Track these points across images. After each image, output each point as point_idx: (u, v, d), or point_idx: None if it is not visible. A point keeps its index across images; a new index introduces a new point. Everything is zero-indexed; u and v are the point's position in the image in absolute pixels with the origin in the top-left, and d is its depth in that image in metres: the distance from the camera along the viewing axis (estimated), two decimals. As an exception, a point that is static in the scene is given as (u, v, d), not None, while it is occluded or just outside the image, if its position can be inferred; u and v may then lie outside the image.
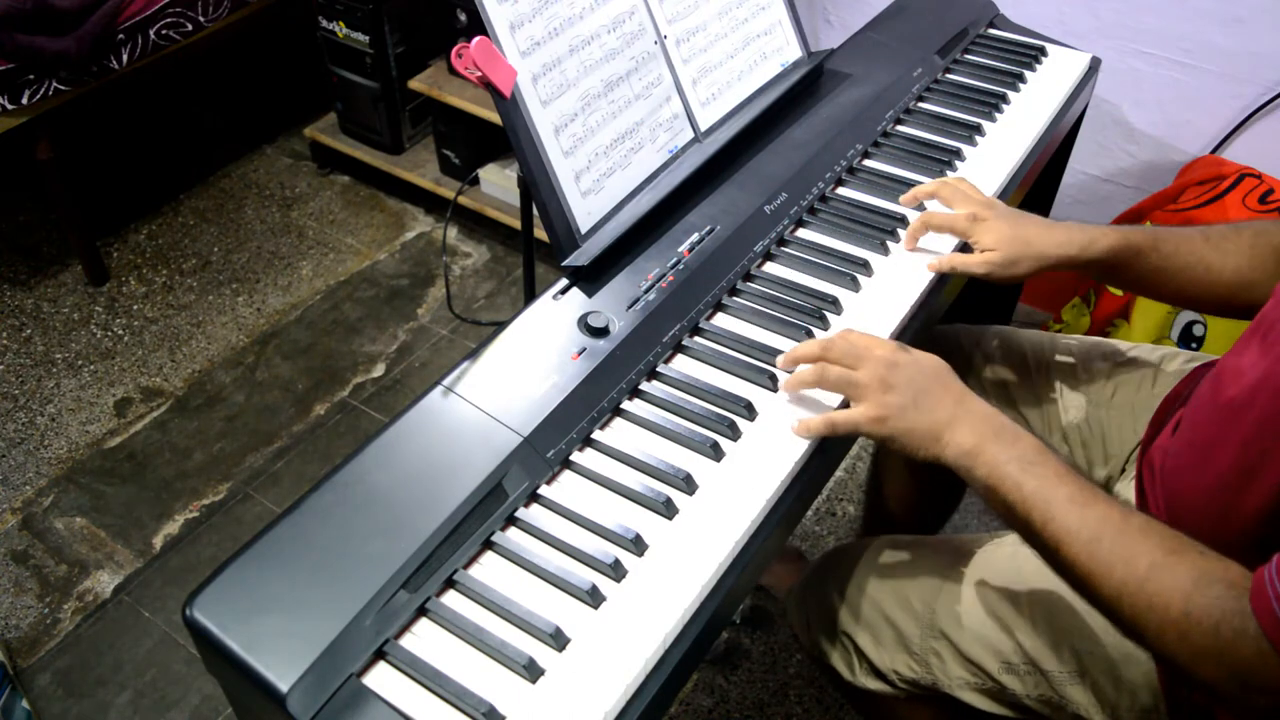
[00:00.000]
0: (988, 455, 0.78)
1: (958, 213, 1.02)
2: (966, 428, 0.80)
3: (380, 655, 0.72)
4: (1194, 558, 0.68)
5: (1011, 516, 0.77)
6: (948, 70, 1.40)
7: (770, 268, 1.07)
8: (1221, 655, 0.65)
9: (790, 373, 0.90)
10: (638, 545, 0.79)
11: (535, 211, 1.04)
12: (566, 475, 0.85)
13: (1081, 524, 0.72)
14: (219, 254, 2.29)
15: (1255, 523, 0.77)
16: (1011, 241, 0.98)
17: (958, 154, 1.23)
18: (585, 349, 0.92)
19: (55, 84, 1.91)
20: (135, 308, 2.15)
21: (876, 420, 0.82)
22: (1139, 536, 0.70)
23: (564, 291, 0.98)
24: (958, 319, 1.26)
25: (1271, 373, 0.77)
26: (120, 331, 2.10)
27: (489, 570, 0.78)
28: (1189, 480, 0.87)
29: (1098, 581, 0.71)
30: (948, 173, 1.20)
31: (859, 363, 0.85)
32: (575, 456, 0.86)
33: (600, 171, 1.04)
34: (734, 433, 0.88)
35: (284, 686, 0.68)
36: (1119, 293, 1.76)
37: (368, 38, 2.19)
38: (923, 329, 1.06)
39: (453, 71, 2.13)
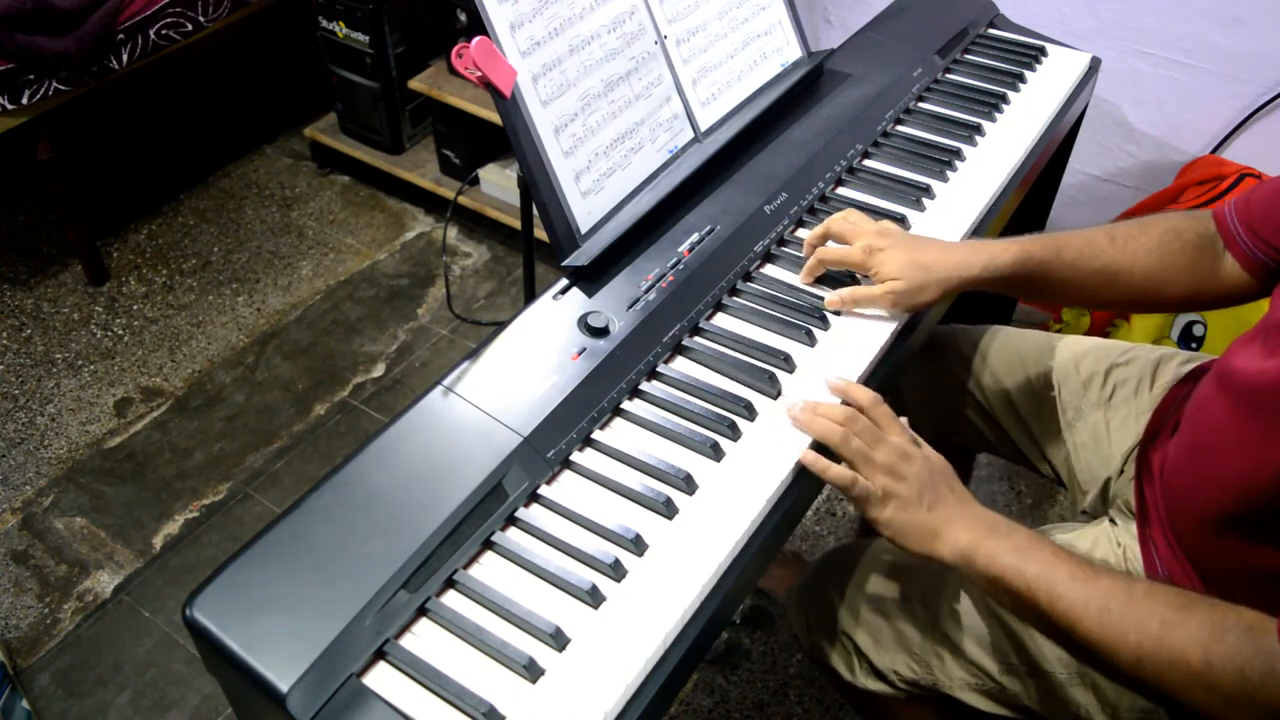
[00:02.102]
0: (985, 550, 0.79)
1: (853, 246, 1.00)
2: (962, 526, 0.81)
3: (380, 655, 0.72)
4: (1205, 610, 0.69)
5: (1019, 605, 0.78)
6: (948, 70, 1.40)
7: (770, 268, 1.07)
8: (1253, 699, 0.66)
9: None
10: (638, 545, 0.79)
11: (535, 211, 1.04)
12: (566, 475, 0.85)
13: (1089, 598, 0.73)
14: (219, 254, 2.29)
15: (1241, 515, 0.77)
16: (911, 268, 0.96)
17: (958, 154, 1.23)
18: (585, 349, 0.92)
19: (55, 84, 1.91)
20: (135, 308, 2.15)
21: (877, 504, 0.82)
22: (1145, 600, 0.71)
23: (564, 291, 0.98)
24: (957, 319, 1.26)
25: (1269, 367, 0.77)
26: (120, 331, 2.10)
27: (489, 570, 0.78)
28: (1188, 480, 0.87)
29: (1116, 650, 0.71)
30: (948, 173, 1.20)
31: (876, 445, 0.84)
32: (575, 456, 0.86)
33: (600, 171, 1.04)
34: (734, 433, 0.88)
35: (284, 686, 0.68)
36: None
37: (368, 38, 2.19)
38: (922, 331, 1.06)
39: (453, 71, 2.13)
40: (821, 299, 1.01)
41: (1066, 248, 0.96)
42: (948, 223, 1.14)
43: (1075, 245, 0.97)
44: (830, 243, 1.03)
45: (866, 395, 0.88)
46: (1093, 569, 0.75)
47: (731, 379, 0.94)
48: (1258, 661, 0.65)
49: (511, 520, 0.81)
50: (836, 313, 1.01)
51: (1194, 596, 0.71)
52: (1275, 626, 0.66)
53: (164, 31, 2.06)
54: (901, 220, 1.12)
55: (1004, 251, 0.96)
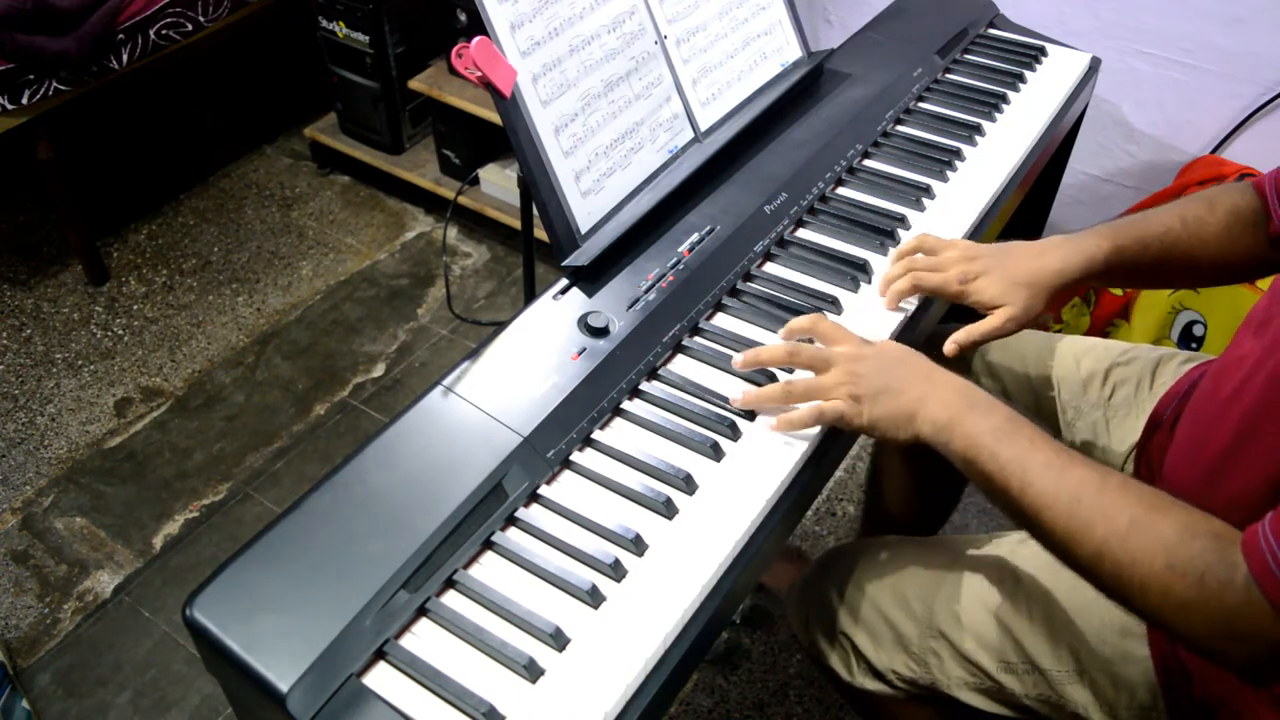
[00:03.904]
0: (963, 428, 0.79)
1: (946, 275, 0.98)
2: (938, 403, 0.81)
3: (380, 655, 0.72)
4: (1176, 512, 0.69)
5: (990, 486, 0.78)
6: (948, 70, 1.40)
7: (770, 268, 1.07)
8: (1206, 606, 0.65)
9: (753, 382, 0.91)
10: (638, 545, 0.79)
11: (535, 211, 1.04)
12: (566, 475, 0.85)
13: (1060, 487, 0.72)
14: (219, 254, 2.29)
15: (1239, 504, 0.78)
16: (1014, 289, 0.96)
17: (958, 154, 1.23)
18: (585, 349, 0.92)
19: (55, 84, 1.91)
20: (135, 308, 2.15)
21: (853, 413, 0.83)
22: (1118, 494, 0.71)
23: (564, 291, 0.98)
24: (957, 319, 1.26)
25: (1264, 359, 0.77)
26: (120, 331, 2.10)
27: (489, 570, 0.78)
28: (1187, 475, 0.87)
29: (1079, 542, 0.71)
30: (948, 173, 1.20)
31: (825, 365, 0.86)
32: (575, 456, 0.86)
33: (600, 171, 1.04)
34: (734, 433, 0.88)
35: (284, 686, 0.68)
36: (1119, 293, 1.76)
37: (368, 38, 2.19)
38: (922, 331, 1.06)
39: (453, 71, 2.13)
40: (819, 296, 1.01)
41: (1150, 239, 0.97)
42: (948, 222, 1.14)
43: (1156, 234, 0.97)
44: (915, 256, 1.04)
45: (790, 344, 0.88)
46: (1069, 456, 0.74)
47: (732, 378, 0.94)
48: (1219, 570, 0.65)
49: (511, 520, 0.81)
50: (836, 314, 1.01)
51: (1167, 498, 0.70)
52: (1241, 538, 0.65)
53: (164, 31, 2.06)
54: (901, 220, 1.12)
55: (1098, 250, 0.96)
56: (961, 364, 1.20)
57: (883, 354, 0.86)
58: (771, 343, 0.96)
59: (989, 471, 0.76)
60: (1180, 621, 0.67)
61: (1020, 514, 0.76)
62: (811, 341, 0.91)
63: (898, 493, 1.41)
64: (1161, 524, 0.68)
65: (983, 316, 0.98)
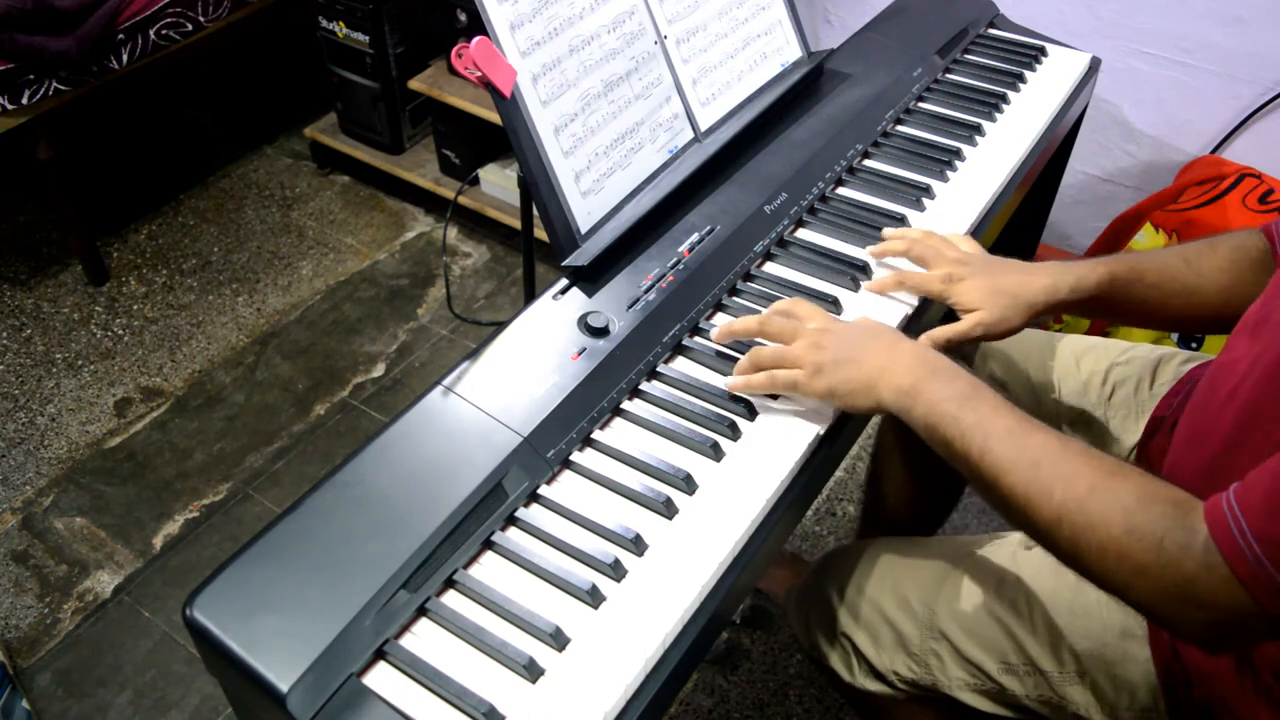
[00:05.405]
0: (925, 394, 0.79)
1: (932, 274, 0.98)
2: (901, 369, 0.82)
3: (380, 655, 0.72)
4: (1136, 478, 0.69)
5: (951, 452, 0.78)
6: (948, 70, 1.40)
7: (770, 268, 1.07)
8: (1164, 571, 0.65)
9: (734, 355, 0.93)
10: (638, 545, 0.79)
11: (535, 211, 1.04)
12: (566, 475, 0.85)
13: (1020, 452, 0.73)
14: (219, 254, 2.29)
15: None
16: (995, 296, 0.95)
17: (958, 154, 1.23)
18: (585, 349, 0.92)
19: (55, 84, 1.91)
20: (135, 308, 2.15)
21: (810, 378, 0.84)
22: (1079, 460, 0.71)
23: (564, 291, 0.98)
24: (956, 319, 1.26)
25: (1260, 357, 0.77)
26: (120, 331, 2.10)
27: (489, 570, 0.78)
28: (1187, 476, 0.87)
29: (1037, 506, 0.71)
30: (948, 173, 1.20)
31: (793, 336, 0.87)
32: (575, 456, 0.86)
33: (600, 171, 1.04)
34: (734, 433, 0.88)
35: (284, 686, 0.68)
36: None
37: (368, 38, 2.19)
38: (924, 328, 1.06)
39: (453, 71, 2.13)
40: (819, 296, 1.01)
41: (1147, 270, 0.96)
42: (948, 222, 1.14)
43: (1154, 266, 0.96)
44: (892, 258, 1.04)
45: (762, 315, 0.90)
46: (1030, 424, 0.75)
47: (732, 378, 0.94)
48: (1178, 534, 0.65)
49: (511, 520, 0.81)
50: (836, 313, 1.01)
51: (1128, 466, 0.71)
52: (1202, 506, 0.66)
53: (164, 31, 2.06)
54: (901, 220, 1.12)
55: (1090, 273, 0.95)
56: (963, 363, 1.20)
57: (851, 327, 0.88)
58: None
59: (950, 437, 0.77)
60: (1137, 586, 0.67)
61: (980, 479, 0.76)
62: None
63: (898, 493, 1.41)
64: (1120, 489, 0.68)
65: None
